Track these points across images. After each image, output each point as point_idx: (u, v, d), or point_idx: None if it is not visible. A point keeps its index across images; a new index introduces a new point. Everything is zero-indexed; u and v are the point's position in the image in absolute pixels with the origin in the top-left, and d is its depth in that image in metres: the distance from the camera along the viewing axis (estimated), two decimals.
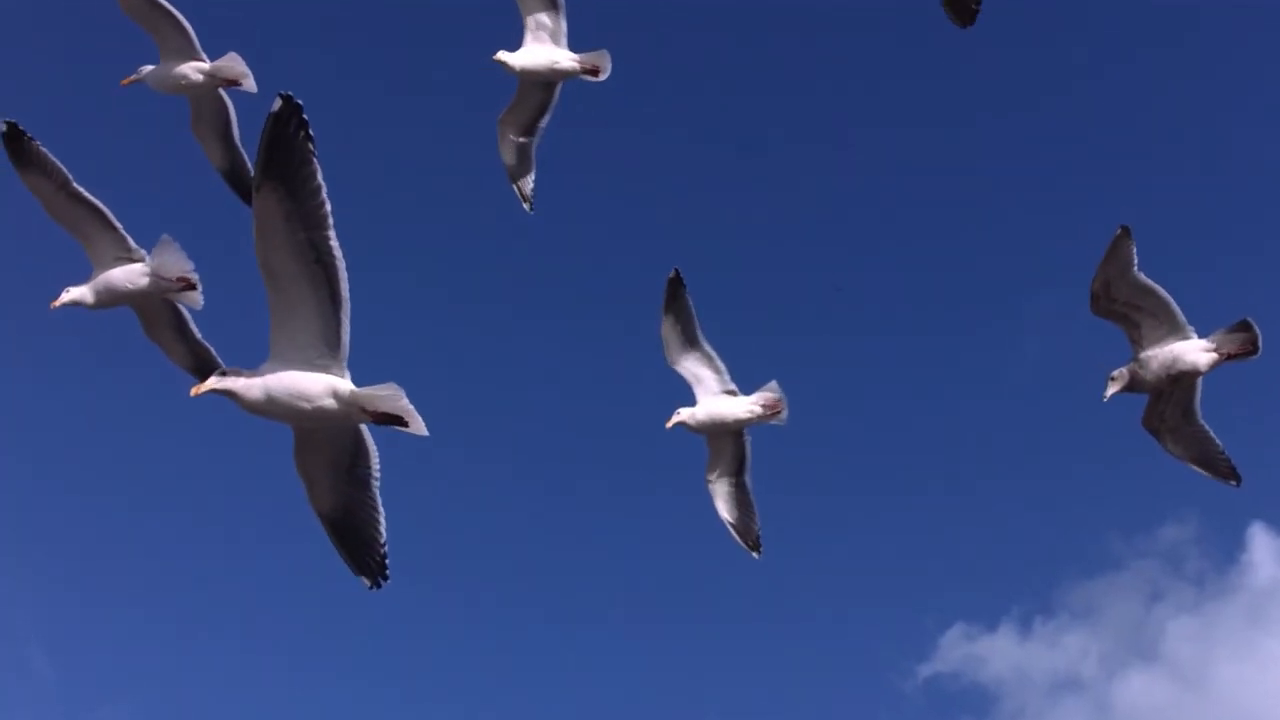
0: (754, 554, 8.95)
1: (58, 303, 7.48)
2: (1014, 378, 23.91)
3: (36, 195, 7.25)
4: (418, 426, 5.30)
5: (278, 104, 4.46)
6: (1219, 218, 22.54)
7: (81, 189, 7.30)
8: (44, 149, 7.19)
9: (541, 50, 9.06)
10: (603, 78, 9.32)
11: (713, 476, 8.93)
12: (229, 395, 5.09)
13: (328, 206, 4.68)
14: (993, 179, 25.66)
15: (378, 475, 5.65)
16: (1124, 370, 6.97)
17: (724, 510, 8.93)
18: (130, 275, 7.47)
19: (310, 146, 4.54)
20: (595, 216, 22.61)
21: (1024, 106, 25.24)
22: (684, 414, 8.48)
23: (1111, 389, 7.00)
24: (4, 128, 7.06)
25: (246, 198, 7.88)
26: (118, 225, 7.50)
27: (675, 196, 25.15)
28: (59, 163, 7.21)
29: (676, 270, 8.58)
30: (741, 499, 8.98)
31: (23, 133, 7.10)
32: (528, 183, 9.76)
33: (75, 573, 21.80)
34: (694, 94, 24.48)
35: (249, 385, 5.03)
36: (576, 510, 22.72)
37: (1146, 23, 24.56)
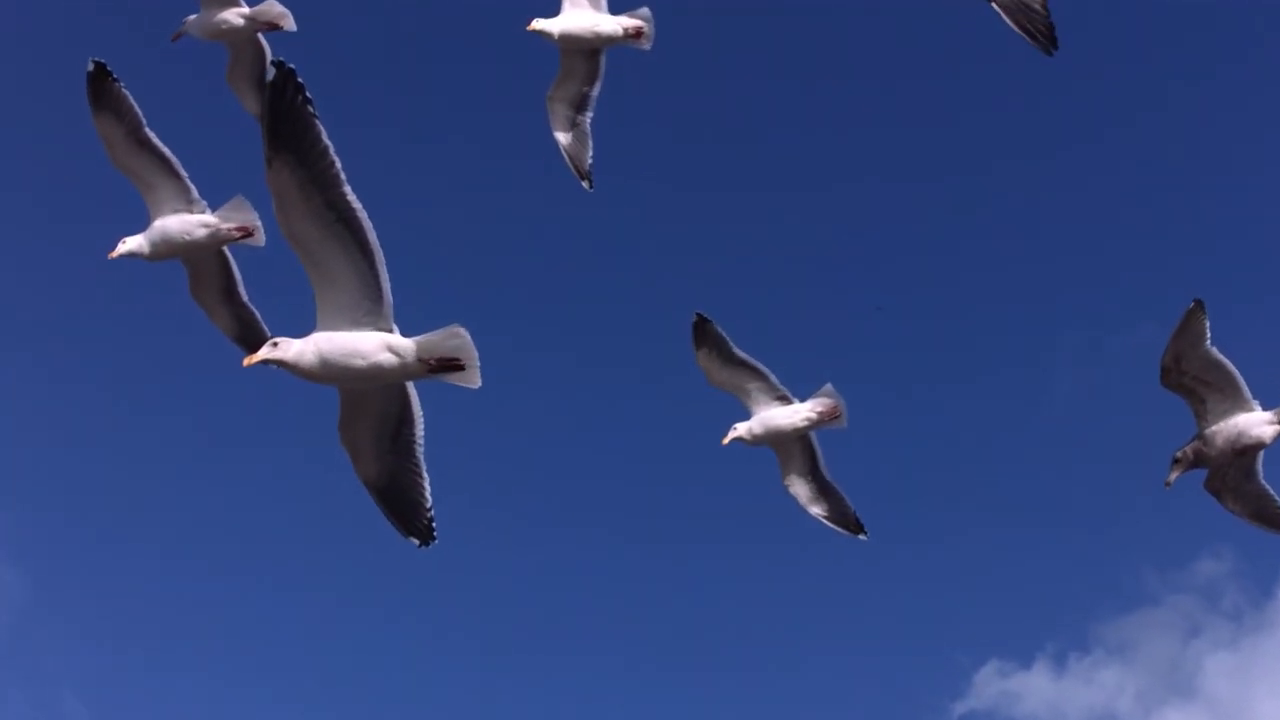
0: (860, 536, 8.88)
1: (114, 253, 7.32)
2: (1047, 414, 23.97)
3: (105, 139, 7.04)
4: (473, 377, 5.23)
5: (272, 73, 4.51)
6: (1259, 263, 22.15)
7: (152, 135, 7.19)
8: (125, 91, 7.00)
9: (581, 15, 8.57)
10: (646, 44, 8.88)
11: (789, 480, 8.77)
12: (281, 364, 5.03)
13: (338, 164, 4.68)
14: (1022, 218, 25.52)
15: (422, 441, 5.64)
16: (1188, 450, 7.05)
17: (813, 507, 8.84)
18: (187, 225, 7.37)
19: (311, 110, 4.52)
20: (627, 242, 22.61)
21: (1048, 152, 25.24)
22: (740, 429, 8.29)
23: (1175, 473, 7.18)
24: (91, 67, 6.87)
25: None
26: (183, 174, 7.39)
27: (704, 236, 24.97)
28: (135, 106, 7.09)
29: (699, 314, 8.45)
30: (825, 490, 8.87)
31: (109, 73, 6.91)
32: (585, 159, 9.24)
33: (106, 615, 22.33)
34: (735, 126, 24.59)
35: (301, 352, 4.98)
36: (608, 554, 22.95)
37: (1181, 63, 24.77)
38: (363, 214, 4.84)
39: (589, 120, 9.14)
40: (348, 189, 4.75)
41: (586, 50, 8.78)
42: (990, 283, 24.45)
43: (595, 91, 9.04)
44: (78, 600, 22.36)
